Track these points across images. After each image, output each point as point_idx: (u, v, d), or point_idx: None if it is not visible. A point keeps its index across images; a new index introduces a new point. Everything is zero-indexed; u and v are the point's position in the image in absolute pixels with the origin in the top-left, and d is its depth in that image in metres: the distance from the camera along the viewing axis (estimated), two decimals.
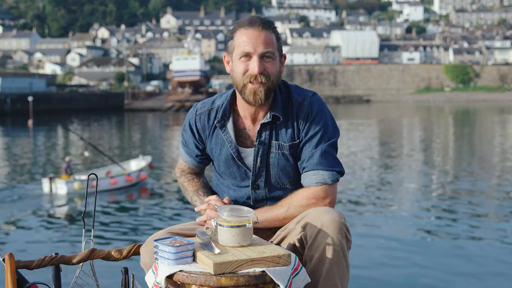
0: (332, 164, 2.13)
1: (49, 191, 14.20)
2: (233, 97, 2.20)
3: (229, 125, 2.17)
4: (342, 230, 1.96)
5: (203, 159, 2.30)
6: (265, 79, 2.06)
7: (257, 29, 2.06)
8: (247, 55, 2.06)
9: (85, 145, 15.52)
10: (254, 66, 2.05)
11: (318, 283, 1.96)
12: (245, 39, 2.05)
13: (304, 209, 2.08)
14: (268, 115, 2.13)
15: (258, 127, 2.15)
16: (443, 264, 7.97)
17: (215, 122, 2.18)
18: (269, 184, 2.19)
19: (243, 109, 2.16)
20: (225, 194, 2.26)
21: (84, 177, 14.57)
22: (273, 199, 2.18)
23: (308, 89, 2.22)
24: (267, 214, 2.12)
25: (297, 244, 2.03)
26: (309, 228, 1.99)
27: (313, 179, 2.11)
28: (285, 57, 2.18)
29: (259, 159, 2.16)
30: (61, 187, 14.09)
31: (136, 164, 16.27)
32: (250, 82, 2.06)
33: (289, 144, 2.15)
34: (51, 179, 14.25)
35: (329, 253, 1.94)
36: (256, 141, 2.15)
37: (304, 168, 2.14)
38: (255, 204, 2.21)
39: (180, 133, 2.33)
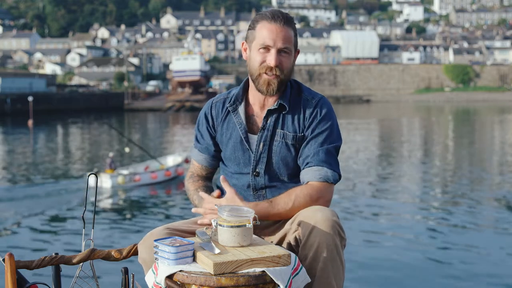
0: (335, 165, 2.19)
1: (94, 185, 14.64)
2: (246, 85, 2.31)
3: (241, 109, 2.27)
4: (335, 228, 1.97)
5: (216, 153, 2.34)
6: (279, 71, 2.17)
7: (279, 25, 2.16)
8: (266, 48, 2.16)
9: (126, 141, 16.46)
10: (271, 58, 2.15)
11: (313, 282, 1.97)
12: (266, 32, 2.16)
13: (306, 206, 2.09)
14: (276, 103, 2.23)
15: (265, 113, 2.24)
16: (441, 263, 7.97)
17: (228, 105, 2.28)
18: (269, 172, 2.23)
19: (254, 96, 2.27)
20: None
21: (126, 171, 15.48)
22: (272, 189, 2.22)
23: (318, 93, 2.32)
24: (270, 209, 2.11)
25: (292, 243, 2.04)
26: (303, 227, 2.00)
27: (316, 174, 2.15)
28: (298, 52, 2.27)
29: (261, 144, 2.22)
30: (106, 181, 14.91)
31: (173, 160, 17.23)
32: (265, 73, 2.16)
33: (293, 134, 2.21)
34: (96, 173, 14.62)
35: (322, 252, 1.95)
36: (262, 126, 2.23)
37: (307, 163, 2.17)
38: (255, 192, 2.24)
39: (195, 129, 2.40)
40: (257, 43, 2.17)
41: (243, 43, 2.27)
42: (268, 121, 2.23)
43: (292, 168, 2.22)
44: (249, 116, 2.27)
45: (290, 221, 2.11)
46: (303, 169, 2.19)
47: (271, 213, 2.11)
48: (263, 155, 2.22)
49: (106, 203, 13.42)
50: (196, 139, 2.38)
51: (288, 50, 2.17)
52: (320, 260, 1.95)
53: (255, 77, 2.19)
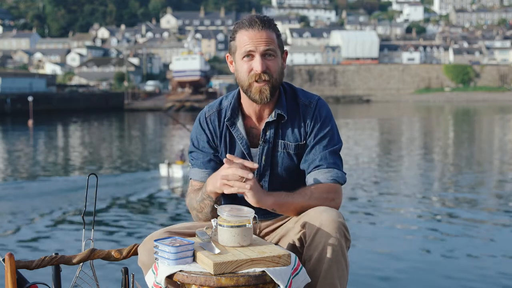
0: (341, 167, 2.17)
1: (166, 174, 16.20)
2: (239, 96, 2.23)
3: (239, 122, 2.19)
4: (341, 229, 1.95)
5: (218, 165, 2.19)
6: (268, 77, 2.10)
7: (257, 29, 2.09)
8: (249, 55, 2.10)
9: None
10: (257, 64, 2.09)
11: (317, 283, 1.96)
12: (246, 39, 2.10)
13: (321, 203, 2.06)
14: (273, 113, 2.17)
15: (263, 126, 2.18)
16: (444, 263, 7.98)
17: (225, 120, 2.20)
18: (273, 184, 2.19)
19: (248, 108, 2.19)
20: (228, 196, 2.24)
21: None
22: None
23: (313, 93, 2.26)
24: (288, 199, 2.06)
25: (297, 243, 2.03)
26: (308, 227, 1.98)
27: (328, 175, 2.12)
28: (286, 53, 2.21)
29: (264, 157, 2.17)
30: (177, 171, 16.14)
31: None
32: (255, 81, 2.10)
33: (294, 144, 2.17)
34: (168, 164, 16.27)
35: (328, 253, 1.94)
36: (261, 139, 2.17)
37: (317, 166, 2.14)
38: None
39: (188, 153, 2.28)
40: (239, 53, 2.11)
41: (227, 56, 2.21)
42: (268, 134, 2.17)
43: (296, 175, 2.19)
44: (247, 129, 2.19)
45: (293, 220, 2.10)
46: (311, 171, 2.14)
47: (289, 202, 2.05)
48: (266, 168, 2.18)
49: (107, 203, 13.41)
50: (195, 158, 2.23)
51: (273, 52, 2.10)
52: (325, 261, 1.94)
53: (246, 88, 2.12)
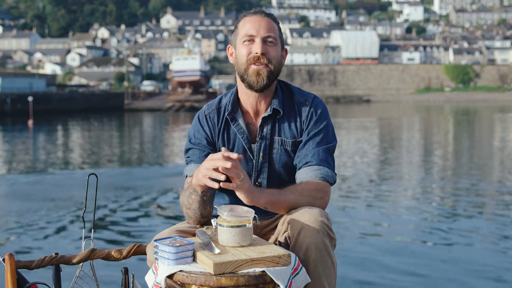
0: (333, 166, 2.15)
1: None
2: (237, 92, 2.23)
3: (240, 117, 2.19)
4: (324, 228, 1.94)
5: None
6: (267, 60, 2.11)
7: (260, 15, 2.15)
8: (250, 39, 2.12)
9: None
10: (257, 47, 2.11)
11: (305, 284, 1.94)
12: (249, 24, 2.13)
13: (310, 201, 2.04)
14: (269, 108, 2.17)
15: (260, 121, 2.17)
16: (439, 264, 7.98)
17: (226, 114, 2.19)
18: (271, 181, 2.18)
19: (246, 102, 2.19)
20: (226, 193, 2.24)
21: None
22: None
23: (310, 92, 2.26)
24: (280, 197, 2.03)
25: (283, 245, 2.02)
26: (291, 228, 1.97)
27: (318, 173, 2.10)
28: (286, 52, 2.22)
29: (261, 154, 2.17)
30: None
31: None
32: (253, 63, 2.11)
33: (292, 140, 2.17)
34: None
35: (312, 253, 1.92)
36: (258, 135, 2.17)
37: (307, 162, 2.12)
38: None
39: (185, 150, 2.24)
40: (240, 37, 2.14)
41: (228, 48, 2.23)
42: (265, 130, 2.17)
43: (294, 172, 2.18)
44: (245, 125, 2.19)
45: (281, 221, 2.08)
46: (301, 168, 2.13)
47: (281, 200, 2.02)
48: (264, 165, 2.17)
49: (107, 203, 13.41)
50: (192, 154, 2.20)
51: (273, 39, 2.13)
52: (310, 261, 1.93)
53: (244, 71, 2.12)
